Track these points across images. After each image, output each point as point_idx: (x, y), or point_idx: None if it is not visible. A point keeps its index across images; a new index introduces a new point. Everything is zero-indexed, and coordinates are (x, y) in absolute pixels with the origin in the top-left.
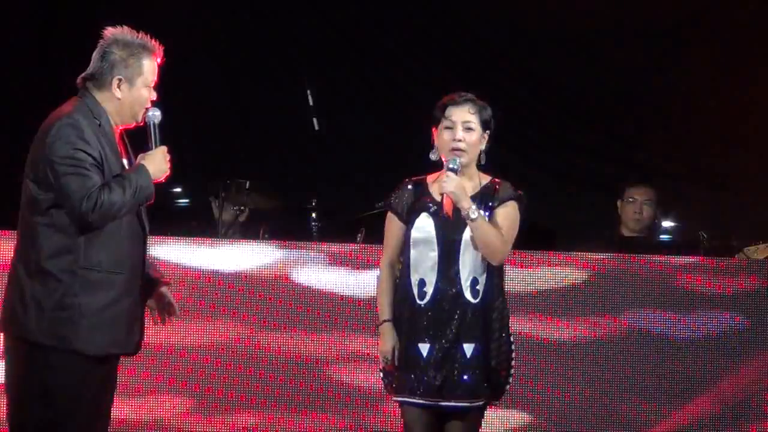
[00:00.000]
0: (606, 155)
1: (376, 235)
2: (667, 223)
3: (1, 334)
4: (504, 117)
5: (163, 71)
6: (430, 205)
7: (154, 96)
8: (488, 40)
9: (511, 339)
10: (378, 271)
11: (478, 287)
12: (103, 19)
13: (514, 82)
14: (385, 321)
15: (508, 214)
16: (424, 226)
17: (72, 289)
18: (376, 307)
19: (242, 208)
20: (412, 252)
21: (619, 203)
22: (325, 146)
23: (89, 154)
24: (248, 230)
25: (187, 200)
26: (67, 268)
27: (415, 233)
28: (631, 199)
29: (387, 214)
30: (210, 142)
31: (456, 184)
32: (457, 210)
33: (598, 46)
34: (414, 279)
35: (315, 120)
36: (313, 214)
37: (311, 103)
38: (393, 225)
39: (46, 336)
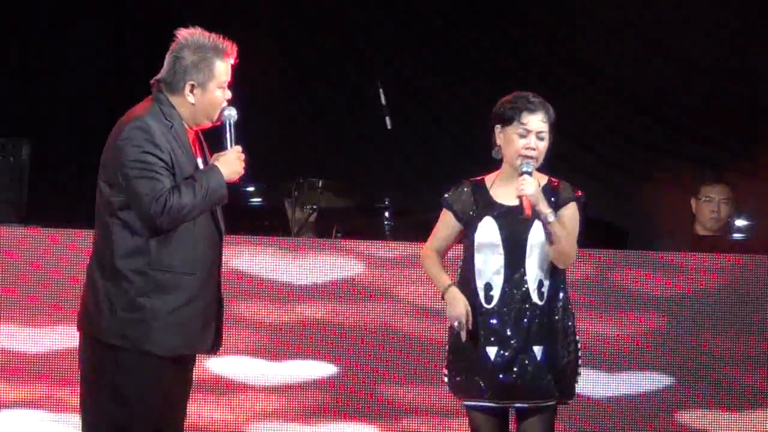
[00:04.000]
0: (680, 153)
1: None
2: (740, 222)
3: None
4: (577, 115)
5: (236, 71)
6: (493, 208)
7: (228, 96)
8: (563, 39)
9: (577, 339)
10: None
11: (543, 289)
12: (176, 18)
13: (587, 80)
14: (449, 286)
15: (572, 215)
16: (489, 230)
17: (143, 290)
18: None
19: (314, 207)
20: (477, 256)
21: (693, 202)
22: (398, 145)
23: (159, 158)
24: (321, 229)
25: (259, 199)
26: (139, 269)
27: (479, 238)
28: (707, 198)
29: (442, 209)
30: (282, 141)
31: (535, 186)
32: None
33: (676, 43)
34: (479, 283)
35: (387, 119)
36: (386, 213)
37: (384, 102)
38: (445, 221)
39: (118, 337)
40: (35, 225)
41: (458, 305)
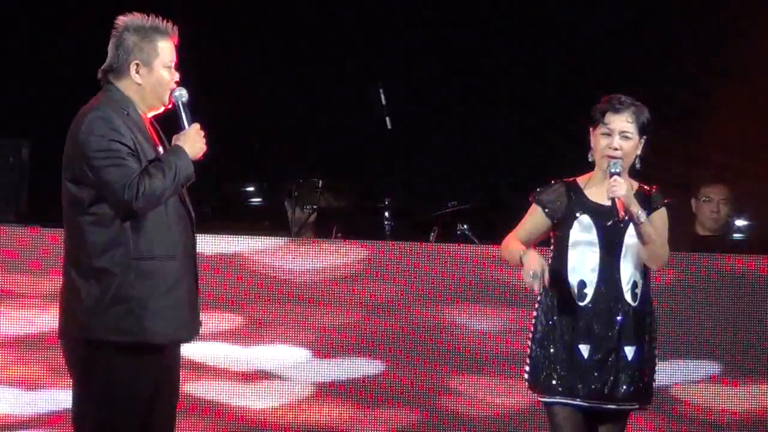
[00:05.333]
0: (680, 153)
1: (448, 234)
2: (740, 222)
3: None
4: (576, 115)
5: (237, 72)
6: (589, 207)
7: (176, 76)
8: (562, 38)
9: (656, 344)
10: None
11: (637, 290)
12: (176, 18)
13: (587, 80)
14: (526, 250)
15: (663, 220)
16: (586, 228)
17: (127, 280)
18: (504, 259)
19: (314, 207)
20: (571, 253)
21: (693, 202)
22: (398, 145)
23: (124, 144)
24: (321, 229)
25: (259, 199)
26: (119, 261)
27: (575, 235)
28: (706, 198)
29: (531, 206)
30: (282, 141)
31: (626, 187)
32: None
33: (674, 44)
34: (573, 280)
35: (388, 119)
36: (387, 213)
37: (384, 102)
38: (535, 216)
39: (109, 331)
40: (35, 225)
41: (534, 260)
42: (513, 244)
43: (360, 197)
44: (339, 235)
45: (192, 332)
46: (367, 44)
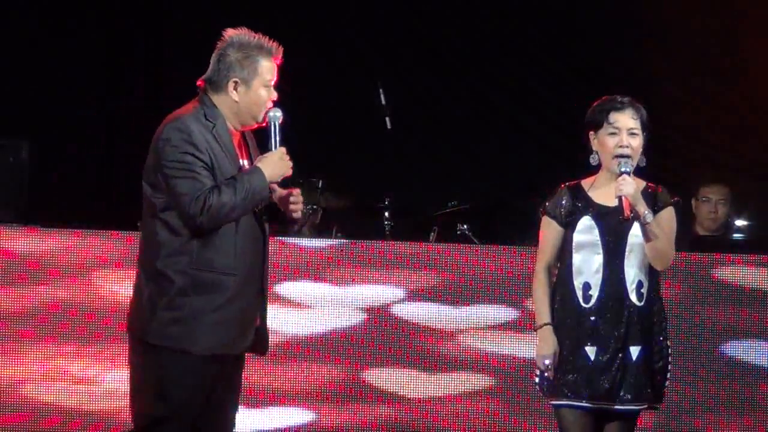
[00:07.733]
0: (680, 153)
1: (448, 234)
2: (740, 222)
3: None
4: (576, 116)
5: None
6: (592, 208)
7: (274, 96)
8: (562, 39)
9: (668, 342)
10: (534, 276)
11: (642, 290)
12: (175, 18)
13: (587, 81)
14: (545, 324)
15: (669, 219)
16: (588, 229)
17: (184, 289)
18: (532, 311)
19: (314, 207)
20: (575, 256)
21: (693, 202)
22: (398, 145)
23: (198, 158)
24: (321, 229)
25: None
26: (180, 269)
27: (578, 237)
28: (705, 198)
29: (542, 219)
30: (283, 141)
31: (633, 186)
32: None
33: (674, 44)
34: (578, 283)
35: (388, 119)
36: (386, 213)
37: (383, 102)
38: (550, 230)
39: (158, 336)
40: (35, 225)
41: (548, 346)
42: (542, 288)
43: (360, 197)
44: (339, 235)
45: (234, 350)
46: (367, 44)
